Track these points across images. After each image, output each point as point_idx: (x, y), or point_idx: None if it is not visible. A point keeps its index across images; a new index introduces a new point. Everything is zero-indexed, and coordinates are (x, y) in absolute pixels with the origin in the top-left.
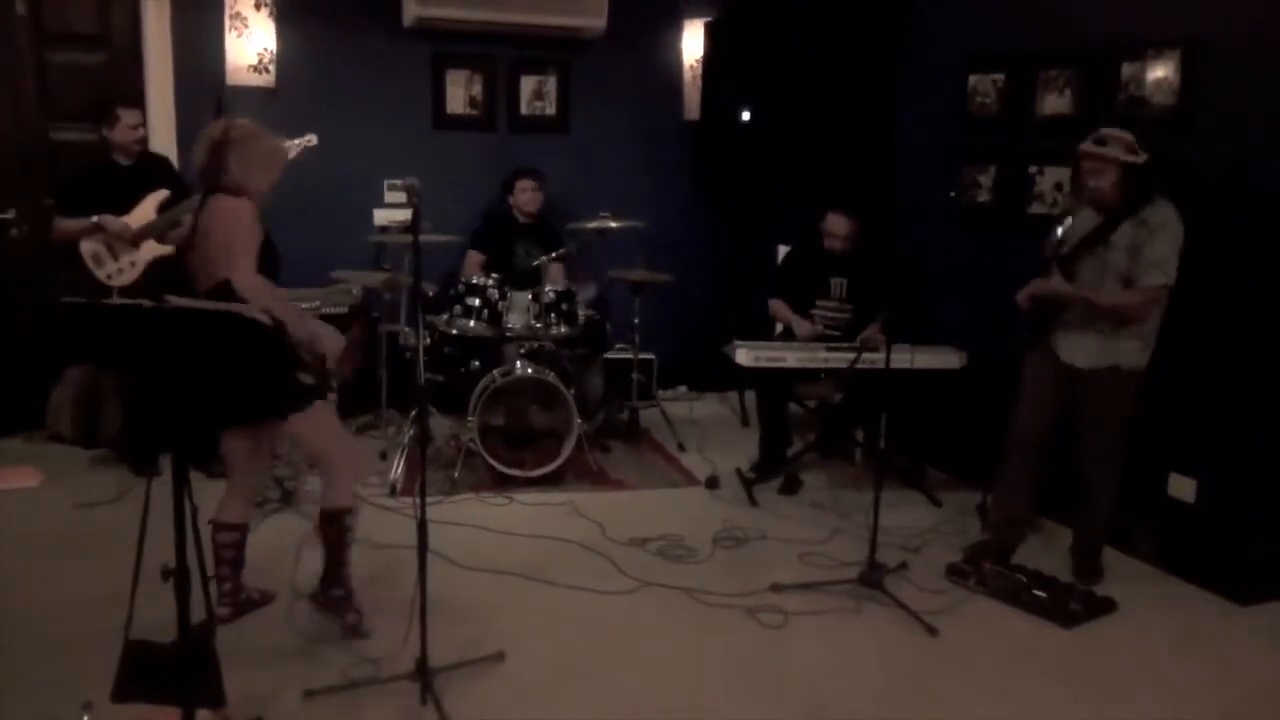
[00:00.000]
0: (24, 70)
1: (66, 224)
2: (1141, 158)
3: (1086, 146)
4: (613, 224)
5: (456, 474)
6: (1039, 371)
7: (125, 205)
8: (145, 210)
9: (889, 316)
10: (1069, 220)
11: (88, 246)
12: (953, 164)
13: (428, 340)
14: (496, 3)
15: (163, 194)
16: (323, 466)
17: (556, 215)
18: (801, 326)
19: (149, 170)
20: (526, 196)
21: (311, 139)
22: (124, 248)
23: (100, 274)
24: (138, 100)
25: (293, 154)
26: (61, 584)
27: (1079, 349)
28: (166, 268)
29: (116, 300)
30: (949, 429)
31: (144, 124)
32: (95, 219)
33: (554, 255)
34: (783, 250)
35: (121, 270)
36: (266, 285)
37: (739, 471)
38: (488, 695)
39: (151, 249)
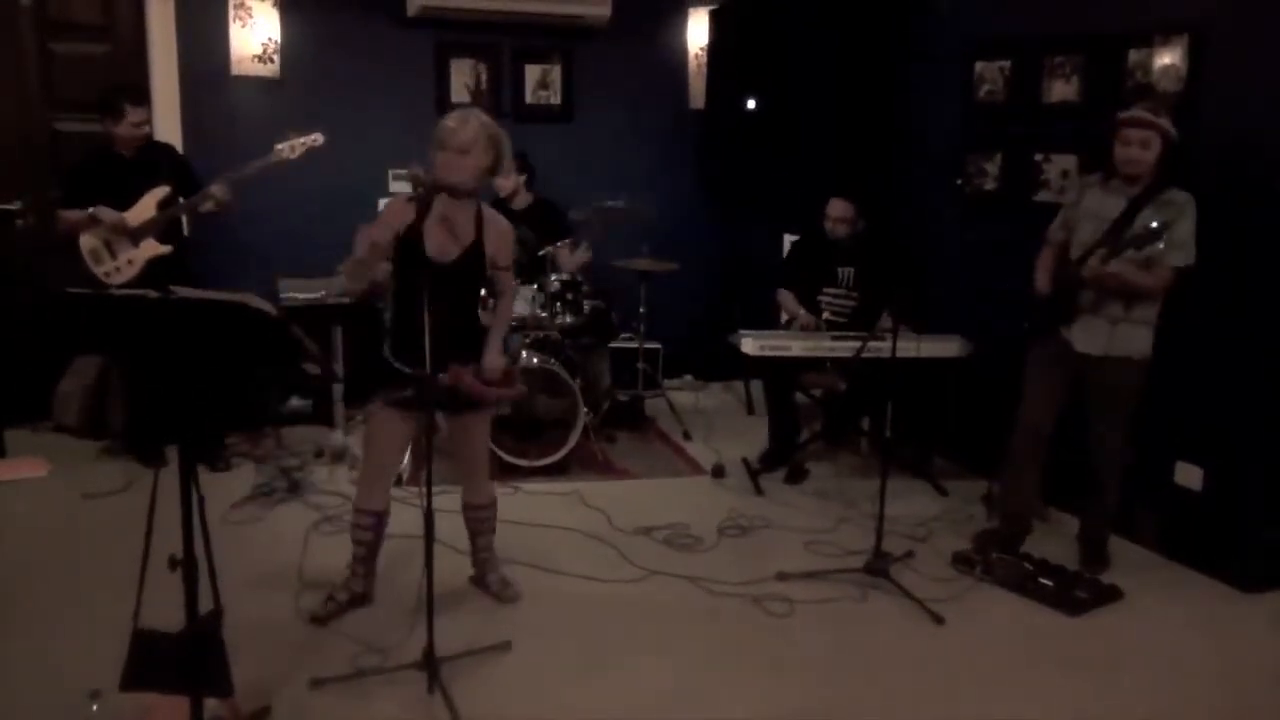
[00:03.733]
0: (28, 61)
1: (67, 215)
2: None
3: (1138, 113)
4: (619, 204)
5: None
6: (1045, 361)
7: (128, 198)
8: (146, 207)
9: (899, 300)
10: (1073, 200)
11: (87, 242)
12: (959, 152)
13: None
14: None
15: (163, 190)
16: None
17: (561, 204)
18: (804, 319)
19: (152, 162)
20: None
21: (318, 138)
22: (123, 245)
23: (98, 271)
24: (144, 94)
25: (296, 154)
26: (69, 574)
27: (1092, 336)
28: (167, 267)
29: (122, 291)
30: (955, 418)
31: (149, 121)
32: (91, 210)
33: (559, 245)
34: (788, 239)
35: (119, 268)
36: None
37: (745, 460)
38: (495, 684)
39: (151, 248)
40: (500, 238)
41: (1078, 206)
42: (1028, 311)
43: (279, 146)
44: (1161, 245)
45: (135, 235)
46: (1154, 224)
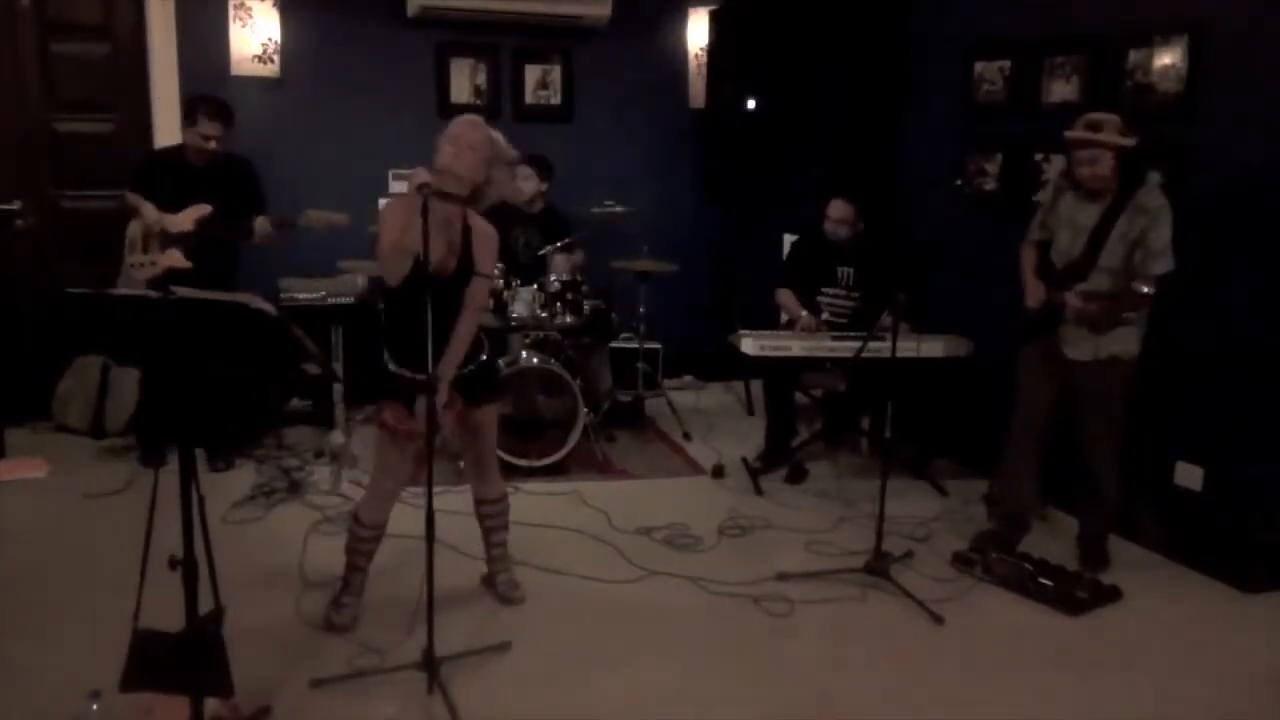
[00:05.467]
0: (28, 61)
1: (128, 196)
2: (1133, 140)
3: (1078, 133)
4: (618, 209)
5: (462, 464)
6: (1037, 361)
7: (178, 204)
8: (185, 219)
9: (902, 301)
10: (1049, 202)
11: (134, 228)
12: (959, 152)
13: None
14: None
15: (204, 209)
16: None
17: (562, 204)
18: (805, 320)
19: (214, 176)
20: (519, 184)
21: (344, 219)
22: (156, 246)
23: (130, 258)
24: (224, 111)
25: (319, 225)
26: (69, 574)
27: (1079, 342)
28: (188, 282)
29: (121, 291)
30: (955, 417)
31: (218, 138)
32: (135, 201)
33: (559, 245)
34: (788, 239)
35: (143, 265)
36: None
37: (744, 460)
38: (494, 684)
39: (170, 258)
40: (486, 242)
41: (1054, 209)
42: (1028, 319)
43: (310, 212)
44: (1139, 255)
45: (165, 241)
46: (1145, 289)
